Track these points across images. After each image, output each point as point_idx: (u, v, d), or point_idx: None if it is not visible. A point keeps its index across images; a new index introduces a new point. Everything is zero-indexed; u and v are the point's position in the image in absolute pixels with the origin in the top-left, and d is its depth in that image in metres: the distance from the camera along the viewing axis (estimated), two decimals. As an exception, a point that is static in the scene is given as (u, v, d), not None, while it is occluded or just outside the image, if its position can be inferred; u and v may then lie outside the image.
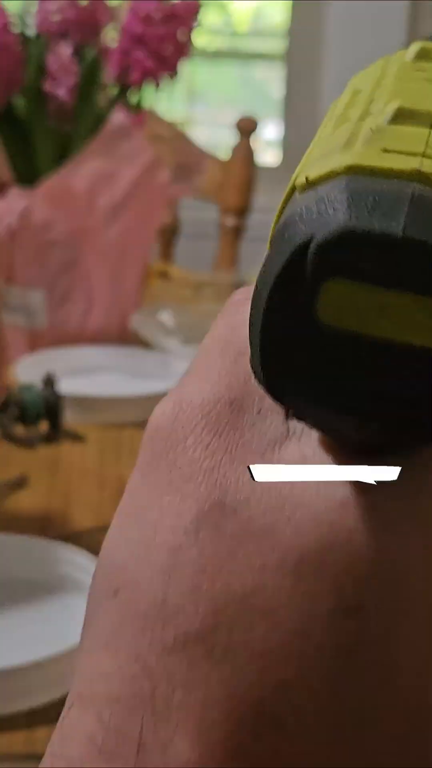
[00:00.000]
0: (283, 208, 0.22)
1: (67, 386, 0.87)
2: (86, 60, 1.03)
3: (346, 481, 0.22)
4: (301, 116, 2.50)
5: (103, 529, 0.73)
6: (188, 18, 0.99)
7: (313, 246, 0.19)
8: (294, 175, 0.21)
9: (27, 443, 0.81)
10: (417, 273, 0.19)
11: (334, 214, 0.19)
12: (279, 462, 0.23)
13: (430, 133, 0.20)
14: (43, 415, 0.82)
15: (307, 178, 0.20)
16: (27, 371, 0.93)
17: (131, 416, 0.87)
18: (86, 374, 0.98)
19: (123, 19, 1.02)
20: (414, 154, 0.20)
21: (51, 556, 0.59)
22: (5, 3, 1.01)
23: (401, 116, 0.21)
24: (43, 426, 0.83)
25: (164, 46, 0.99)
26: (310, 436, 0.23)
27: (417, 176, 0.19)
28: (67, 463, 0.80)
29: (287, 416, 0.24)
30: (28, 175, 1.04)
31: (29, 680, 0.48)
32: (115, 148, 1.01)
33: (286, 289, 0.20)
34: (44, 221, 0.99)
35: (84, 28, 1.02)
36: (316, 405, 0.21)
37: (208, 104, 2.85)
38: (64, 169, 0.99)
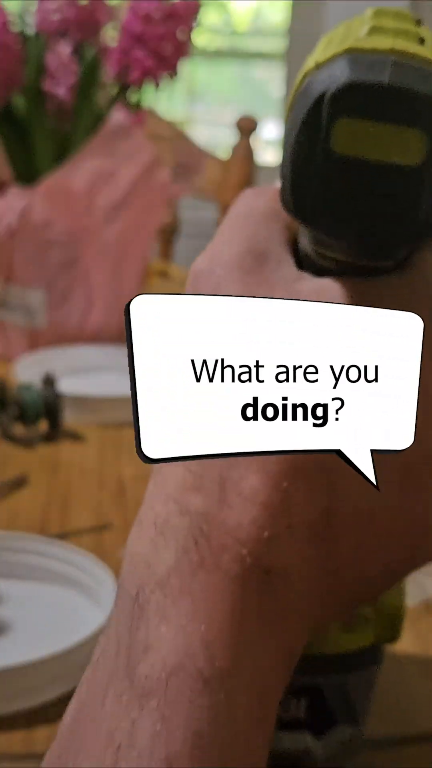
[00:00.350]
0: (297, 89, 0.30)
1: (66, 386, 0.87)
2: (86, 59, 1.03)
3: (348, 296, 0.31)
4: (301, 116, 2.50)
5: (103, 528, 0.72)
6: (188, 17, 0.99)
7: (328, 95, 0.28)
8: (303, 70, 0.31)
9: (27, 443, 0.81)
10: (399, 109, 0.28)
11: (340, 74, 0.28)
12: (297, 292, 0.31)
13: (394, 39, 0.29)
14: (42, 414, 0.82)
15: (317, 62, 0.29)
16: (26, 371, 0.93)
17: (131, 416, 0.87)
18: (86, 374, 0.98)
19: (123, 18, 1.02)
20: (388, 43, 0.29)
21: (50, 554, 0.59)
22: (5, 2, 1.01)
23: (374, 31, 0.30)
24: (43, 425, 0.83)
25: (164, 46, 0.99)
26: (314, 279, 0.32)
27: (393, 52, 0.28)
28: (67, 463, 0.80)
29: (299, 266, 0.33)
30: (27, 174, 1.04)
31: (28, 680, 0.48)
32: (114, 148, 1.01)
33: (309, 129, 0.28)
34: (44, 220, 0.99)
35: (83, 27, 1.02)
36: (329, 217, 0.29)
37: (208, 103, 2.85)
38: (63, 168, 0.99)
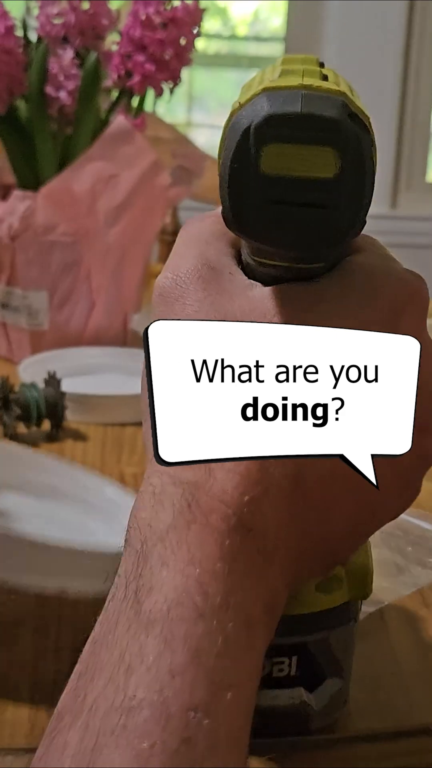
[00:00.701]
0: (225, 127, 0.36)
1: (68, 386, 0.87)
2: (87, 64, 1.03)
3: (294, 299, 0.36)
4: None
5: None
6: (189, 23, 1.00)
7: (252, 127, 0.34)
8: (230, 111, 0.36)
9: (29, 442, 0.82)
10: (312, 132, 0.33)
11: (261, 109, 0.34)
12: (252, 298, 0.37)
13: (302, 77, 0.35)
14: (45, 414, 0.83)
15: (239, 102, 0.35)
16: (29, 371, 0.94)
17: (132, 415, 0.88)
18: (87, 374, 0.99)
19: (124, 22, 1.02)
20: (297, 80, 0.34)
21: (39, 466, 0.61)
22: (6, 4, 1.02)
23: (284, 73, 0.35)
24: (46, 425, 0.84)
25: (165, 51, 1.00)
26: (264, 287, 0.37)
27: (302, 87, 0.34)
28: (70, 461, 0.80)
29: (248, 275, 0.38)
30: (30, 177, 1.05)
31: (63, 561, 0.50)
32: (116, 151, 1.02)
33: (240, 156, 0.34)
34: (46, 223, 1.00)
35: (85, 33, 1.03)
36: (265, 228, 0.35)
37: (208, 108, 2.86)
38: (65, 171, 1.00)
